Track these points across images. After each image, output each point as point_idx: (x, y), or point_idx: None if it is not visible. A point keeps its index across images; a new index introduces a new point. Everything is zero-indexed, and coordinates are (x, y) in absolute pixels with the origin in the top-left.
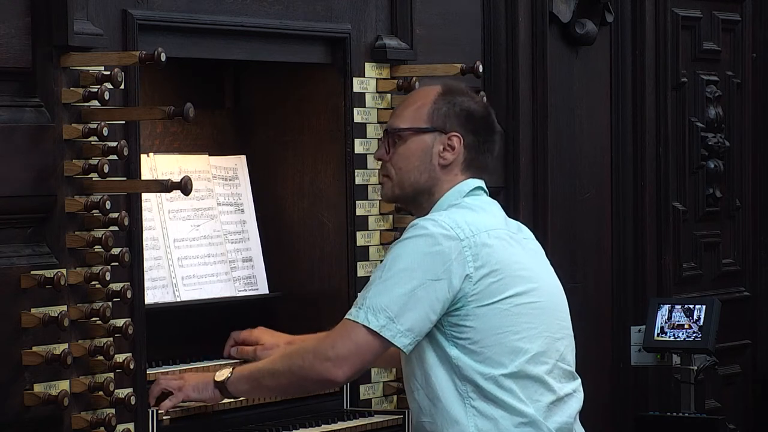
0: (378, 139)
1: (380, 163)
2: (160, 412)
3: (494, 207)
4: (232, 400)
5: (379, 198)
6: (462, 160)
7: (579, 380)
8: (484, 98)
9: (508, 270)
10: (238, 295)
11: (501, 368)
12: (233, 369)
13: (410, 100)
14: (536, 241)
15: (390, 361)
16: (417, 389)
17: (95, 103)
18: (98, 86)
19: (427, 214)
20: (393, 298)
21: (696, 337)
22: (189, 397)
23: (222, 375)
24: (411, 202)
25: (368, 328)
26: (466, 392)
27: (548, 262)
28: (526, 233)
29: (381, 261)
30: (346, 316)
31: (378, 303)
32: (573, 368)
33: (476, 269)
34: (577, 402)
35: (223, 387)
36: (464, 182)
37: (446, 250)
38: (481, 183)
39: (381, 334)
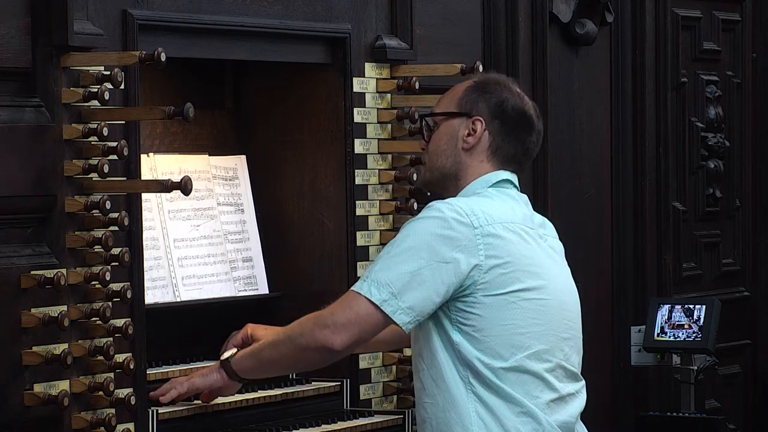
0: (378, 138)
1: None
2: (161, 404)
3: (517, 201)
4: (231, 399)
5: (379, 198)
6: (486, 146)
7: (583, 382)
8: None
9: (519, 264)
10: (238, 295)
11: (500, 360)
12: (238, 349)
13: (449, 90)
14: (558, 241)
15: (391, 343)
16: (423, 369)
17: (95, 103)
18: (98, 86)
19: None
20: (398, 274)
21: (696, 337)
22: (195, 385)
23: (226, 354)
24: (440, 188)
25: (370, 301)
26: (467, 377)
27: (565, 262)
28: (550, 230)
29: None
30: (351, 288)
31: (382, 277)
32: (578, 370)
33: (487, 258)
34: (579, 403)
35: (228, 365)
36: (493, 173)
37: (458, 235)
38: (510, 176)
39: (381, 308)
